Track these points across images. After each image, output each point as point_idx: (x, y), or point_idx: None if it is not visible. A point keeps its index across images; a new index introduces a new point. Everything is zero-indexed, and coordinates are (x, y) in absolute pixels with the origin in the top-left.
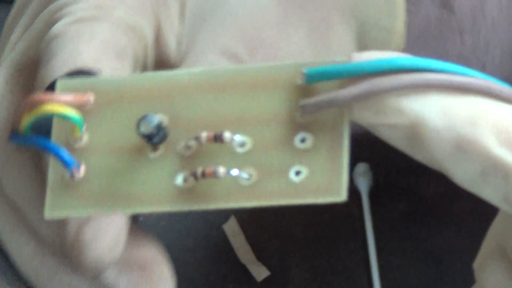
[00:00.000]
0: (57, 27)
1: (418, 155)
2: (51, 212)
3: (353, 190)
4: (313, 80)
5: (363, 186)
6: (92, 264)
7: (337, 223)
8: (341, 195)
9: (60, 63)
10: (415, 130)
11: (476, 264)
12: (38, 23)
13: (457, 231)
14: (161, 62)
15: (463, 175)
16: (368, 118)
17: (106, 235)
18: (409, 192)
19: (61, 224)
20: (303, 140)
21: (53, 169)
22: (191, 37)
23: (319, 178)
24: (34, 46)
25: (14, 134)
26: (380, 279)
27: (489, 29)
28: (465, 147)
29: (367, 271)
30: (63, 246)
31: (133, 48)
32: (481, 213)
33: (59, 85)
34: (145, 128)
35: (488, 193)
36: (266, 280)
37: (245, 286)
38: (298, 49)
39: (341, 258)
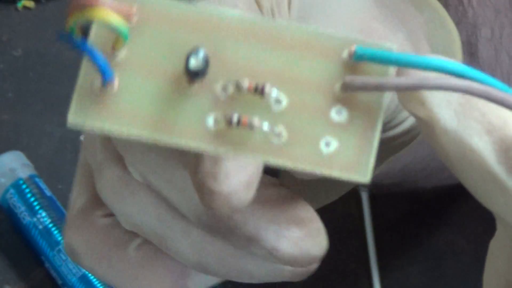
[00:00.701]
0: None
1: (437, 152)
2: (74, 117)
3: (353, 190)
4: (361, 59)
5: (363, 186)
6: (224, 195)
7: (337, 223)
8: (366, 176)
9: None
10: (429, 125)
11: None
12: None
13: (457, 231)
14: None
15: (469, 183)
16: (400, 99)
17: (244, 171)
18: (409, 192)
19: (198, 161)
20: (338, 113)
21: (83, 73)
22: None
23: (348, 154)
24: None
25: (61, 32)
26: (380, 279)
27: (504, 79)
28: (468, 156)
29: (367, 271)
30: (198, 180)
31: None
32: (481, 213)
33: None
34: (194, 62)
35: (492, 207)
36: None
37: (245, 286)
38: (401, 47)
39: (341, 258)
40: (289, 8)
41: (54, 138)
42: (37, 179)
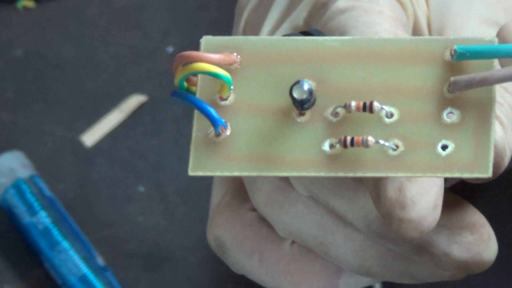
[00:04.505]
0: (341, 4)
1: None
2: (195, 170)
3: None
4: (463, 58)
5: None
6: (414, 222)
7: None
8: (487, 172)
9: (359, 33)
10: None
11: None
12: (302, 7)
13: None
14: None
15: None
16: None
17: (429, 194)
18: None
19: (380, 187)
20: (450, 115)
21: (197, 126)
22: (440, 16)
23: (465, 153)
24: (301, 26)
25: (174, 90)
26: None
27: None
28: None
29: None
30: (384, 207)
31: (409, 24)
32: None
33: (204, 41)
34: (298, 94)
35: None
36: None
37: (245, 286)
38: None
39: None
40: (427, 1)
41: (54, 138)
42: (37, 179)
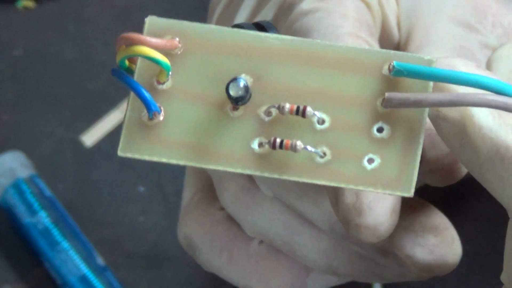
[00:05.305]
0: (305, 5)
1: (464, 155)
2: (124, 151)
3: None
4: (399, 74)
5: None
6: (371, 227)
7: None
8: (409, 191)
9: (321, 35)
10: (460, 124)
11: (504, 277)
12: (270, 8)
13: (457, 231)
14: (382, 41)
15: (492, 180)
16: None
17: (386, 200)
18: None
19: (338, 192)
20: (380, 130)
21: (131, 107)
22: (410, 15)
23: (390, 170)
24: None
25: (114, 68)
26: None
27: None
28: (501, 153)
29: None
30: (341, 212)
31: (374, 26)
32: (481, 213)
33: (148, 21)
34: (234, 92)
35: None
36: None
37: None
38: None
39: None
40: (397, 1)
41: (54, 138)
42: (37, 179)
